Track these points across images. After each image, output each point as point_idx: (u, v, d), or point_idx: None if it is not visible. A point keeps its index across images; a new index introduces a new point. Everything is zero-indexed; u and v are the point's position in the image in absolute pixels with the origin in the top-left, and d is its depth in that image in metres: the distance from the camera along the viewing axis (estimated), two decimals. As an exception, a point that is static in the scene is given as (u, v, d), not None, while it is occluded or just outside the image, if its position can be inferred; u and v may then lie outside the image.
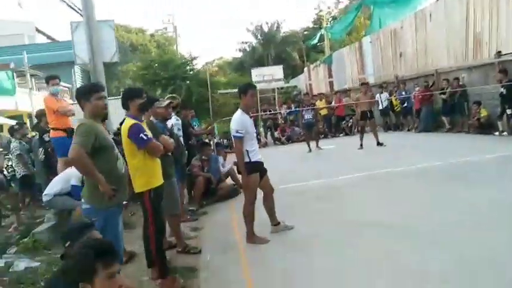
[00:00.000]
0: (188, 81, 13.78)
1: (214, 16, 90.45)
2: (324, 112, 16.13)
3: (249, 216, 4.58)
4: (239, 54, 36.92)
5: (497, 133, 10.66)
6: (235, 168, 7.38)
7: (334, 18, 34.16)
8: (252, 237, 4.58)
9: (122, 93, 3.35)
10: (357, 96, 12.39)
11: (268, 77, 24.98)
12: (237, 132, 4.39)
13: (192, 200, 6.86)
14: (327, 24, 27.68)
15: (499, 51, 10.74)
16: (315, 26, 39.18)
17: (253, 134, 4.69)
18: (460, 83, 12.17)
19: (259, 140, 15.97)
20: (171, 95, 5.41)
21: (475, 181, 6.01)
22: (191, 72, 14.81)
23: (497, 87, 10.57)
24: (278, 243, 4.42)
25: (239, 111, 4.58)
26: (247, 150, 4.46)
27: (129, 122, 3.55)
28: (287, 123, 16.27)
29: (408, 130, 14.53)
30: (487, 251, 3.48)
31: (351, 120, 15.93)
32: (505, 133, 10.41)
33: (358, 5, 20.54)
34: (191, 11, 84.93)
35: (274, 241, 4.51)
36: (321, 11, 39.32)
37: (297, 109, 16.49)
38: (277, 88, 25.06)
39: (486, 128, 11.14)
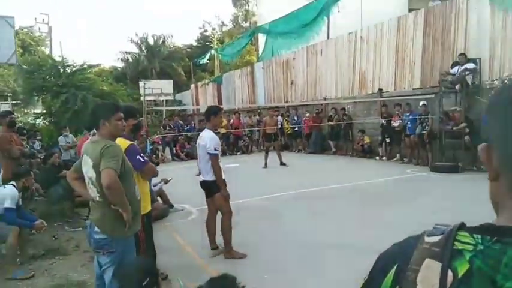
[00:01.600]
0: (83, 91, 12.72)
1: (92, 21, 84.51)
2: (223, 131, 16.52)
3: (229, 231, 4.68)
4: (120, 64, 35.18)
5: (377, 157, 12.48)
6: (163, 187, 7.25)
7: (219, 40, 35.23)
8: (232, 252, 4.67)
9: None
10: (264, 119, 13.17)
11: (157, 90, 24.51)
12: (215, 149, 4.52)
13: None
14: (217, 45, 28.43)
15: (381, 89, 12.69)
16: (198, 45, 39.84)
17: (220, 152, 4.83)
18: (346, 112, 13.91)
19: (157, 156, 15.55)
20: None
21: (388, 200, 7.04)
22: (87, 81, 13.69)
23: (378, 118, 12.43)
24: (249, 265, 4.49)
25: (209, 131, 4.68)
26: None
27: (125, 143, 3.37)
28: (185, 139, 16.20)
29: (298, 151, 15.90)
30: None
31: (247, 140, 16.68)
32: (384, 158, 12.25)
33: (251, 32, 21.79)
34: (67, 13, 77.86)
35: (241, 263, 4.58)
36: (205, 31, 40.25)
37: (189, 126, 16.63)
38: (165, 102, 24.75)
39: (367, 152, 12.96)
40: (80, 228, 5.86)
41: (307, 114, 15.45)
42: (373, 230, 5.33)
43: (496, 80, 9.32)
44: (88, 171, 2.80)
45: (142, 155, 3.50)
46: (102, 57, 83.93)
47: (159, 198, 7.09)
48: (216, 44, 29.02)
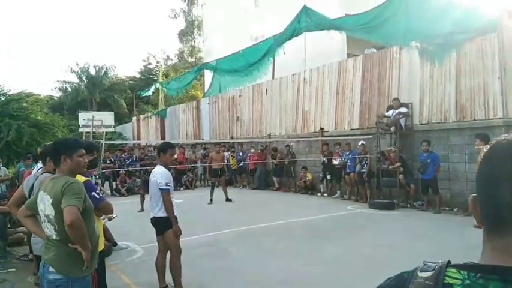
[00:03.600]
0: (19, 120, 11.96)
1: (29, 46, 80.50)
2: (166, 165, 16.26)
3: (179, 269, 4.62)
4: (58, 93, 33.72)
5: (319, 194, 12.88)
6: (107, 223, 6.93)
7: (163, 73, 35.21)
8: None
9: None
10: (211, 154, 13.17)
11: (97, 122, 23.67)
12: (166, 185, 4.50)
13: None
14: (162, 79, 28.34)
15: (322, 128, 13.31)
16: (142, 77, 39.48)
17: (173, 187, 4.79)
18: (290, 150, 14.35)
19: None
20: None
21: (331, 236, 7.28)
22: (23, 111, 12.93)
23: (319, 156, 12.96)
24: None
25: (161, 167, 4.68)
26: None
27: (80, 178, 3.27)
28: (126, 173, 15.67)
29: (242, 187, 15.99)
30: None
31: (191, 175, 16.51)
32: (325, 194, 12.68)
33: (199, 68, 22.08)
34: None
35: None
36: (149, 63, 40.08)
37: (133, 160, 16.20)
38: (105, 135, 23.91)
39: (309, 189, 13.36)
40: (14, 269, 5.40)
41: (252, 150, 15.71)
42: (319, 266, 5.47)
43: (426, 123, 10.20)
44: (45, 208, 2.67)
45: (97, 191, 3.41)
46: (38, 85, 79.85)
47: (101, 235, 6.76)
48: (161, 77, 28.92)
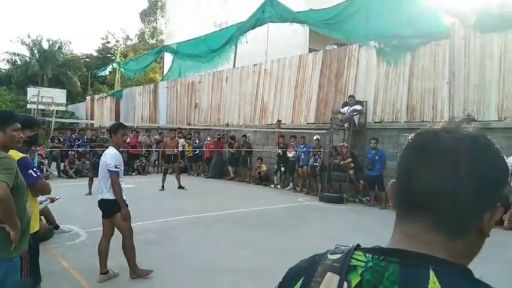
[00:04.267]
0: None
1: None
2: (119, 148, 15.80)
3: (133, 250, 4.56)
4: (6, 66, 31.69)
5: (272, 185, 13.02)
6: (49, 205, 6.63)
7: (122, 53, 34.02)
8: (137, 270, 4.58)
9: None
10: (165, 140, 12.91)
11: (47, 99, 22.58)
12: (116, 167, 4.41)
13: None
14: (120, 58, 27.35)
15: (279, 120, 13.41)
16: (99, 56, 37.95)
17: (123, 170, 4.66)
18: (247, 140, 14.36)
19: (41, 171, 14.16)
20: None
21: (280, 227, 7.38)
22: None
23: (275, 148, 13.07)
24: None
25: (113, 148, 4.56)
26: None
27: (17, 155, 3.08)
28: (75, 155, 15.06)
29: (197, 175, 15.84)
30: None
31: (144, 160, 16.15)
32: (278, 186, 12.83)
33: (159, 50, 21.50)
34: None
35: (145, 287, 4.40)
36: (108, 42, 38.57)
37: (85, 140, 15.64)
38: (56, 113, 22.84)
39: (264, 180, 13.46)
40: None
41: (208, 138, 15.57)
42: (266, 255, 5.53)
43: (378, 122, 10.54)
44: None
45: (35, 169, 3.22)
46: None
47: (42, 217, 6.45)
48: (119, 57, 27.90)
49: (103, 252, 4.56)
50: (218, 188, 12.81)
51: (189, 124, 17.40)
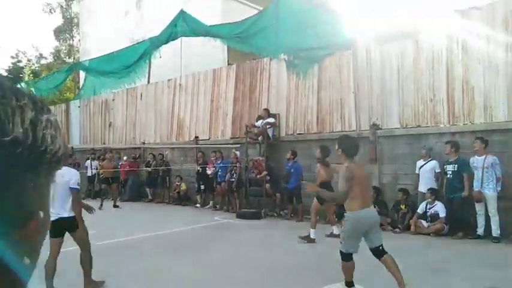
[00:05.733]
0: None
1: None
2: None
3: (91, 261, 4.72)
4: None
5: (197, 205, 12.30)
6: None
7: (34, 72, 31.70)
8: (93, 283, 4.78)
9: None
10: (102, 163, 12.47)
11: None
12: (77, 184, 4.54)
13: None
14: (29, 78, 25.35)
15: (197, 137, 12.95)
16: (10, 76, 35.01)
17: None
18: (164, 158, 13.69)
19: None
20: None
21: (184, 249, 6.85)
22: None
23: (194, 165, 12.55)
24: None
25: (70, 168, 4.70)
26: None
27: None
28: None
29: (111, 199, 14.72)
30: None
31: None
32: (198, 205, 12.25)
33: (70, 67, 20.18)
34: None
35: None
36: (19, 61, 35.78)
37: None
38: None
39: (184, 199, 12.82)
40: None
41: (124, 158, 14.64)
42: (161, 284, 5.01)
43: (291, 134, 10.48)
44: None
45: None
46: None
47: None
48: (29, 76, 25.86)
49: (50, 271, 4.44)
50: (130, 212, 11.98)
51: (104, 143, 16.32)
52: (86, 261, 4.70)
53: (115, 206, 12.48)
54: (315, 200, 7.34)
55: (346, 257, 4.25)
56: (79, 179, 4.61)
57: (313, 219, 7.19)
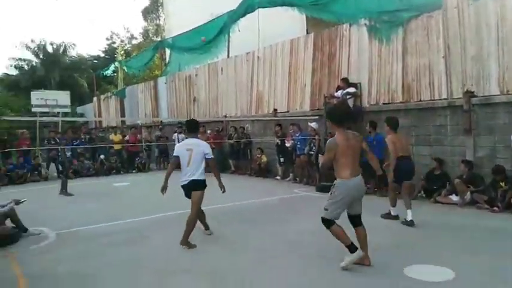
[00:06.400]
0: None
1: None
2: (117, 147, 15.66)
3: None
4: (14, 72, 31.98)
5: (278, 177, 12.44)
6: (16, 207, 6.37)
7: (127, 52, 33.92)
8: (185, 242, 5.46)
9: None
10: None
11: (51, 101, 22.57)
12: (211, 154, 5.57)
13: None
14: (122, 57, 27.24)
15: (275, 109, 12.91)
16: (106, 57, 38.00)
17: None
18: (245, 131, 13.92)
19: (39, 173, 14.13)
20: None
21: (259, 221, 6.95)
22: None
23: (273, 138, 12.58)
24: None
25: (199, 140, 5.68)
26: None
27: None
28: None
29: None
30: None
31: (145, 157, 15.94)
32: (278, 177, 12.34)
33: (155, 45, 21.20)
34: None
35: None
36: (113, 42, 38.58)
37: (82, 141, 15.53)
38: (62, 115, 22.91)
39: (265, 172, 13.00)
40: None
41: (208, 131, 15.18)
42: (237, 253, 5.16)
43: (374, 104, 9.93)
44: None
45: None
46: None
47: (8, 221, 6.21)
48: (121, 55, 27.77)
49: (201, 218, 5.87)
50: (215, 182, 12.42)
51: (189, 117, 17.04)
52: (193, 221, 5.47)
53: None
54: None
55: (328, 222, 4.35)
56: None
57: (406, 200, 6.48)
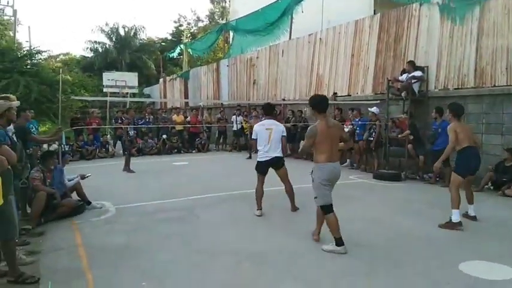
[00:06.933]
0: (29, 77, 11.99)
1: (63, 7, 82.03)
2: (179, 128, 16.19)
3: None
4: (89, 54, 34.16)
5: None
6: (81, 182, 6.80)
7: (192, 35, 34.66)
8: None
9: None
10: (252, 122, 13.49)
11: (121, 82, 23.85)
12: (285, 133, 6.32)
13: (27, 216, 5.94)
14: (187, 39, 27.92)
15: (336, 93, 12.52)
16: (173, 39, 39.20)
17: None
18: (303, 115, 13.70)
19: (107, 150, 15.01)
20: (4, 94, 4.53)
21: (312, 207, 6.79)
22: (34, 68, 12.96)
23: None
24: (130, 271, 4.12)
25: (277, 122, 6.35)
26: None
27: None
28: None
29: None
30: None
31: (204, 138, 16.33)
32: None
33: (219, 28, 21.42)
34: (35, -3, 75.11)
35: (125, 268, 4.21)
36: (180, 25, 39.62)
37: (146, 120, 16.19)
38: (130, 96, 24.15)
39: (321, 157, 12.75)
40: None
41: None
42: (285, 238, 5.12)
43: (442, 89, 9.25)
44: None
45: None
46: (72, 45, 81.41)
47: (74, 193, 6.66)
48: (187, 38, 28.47)
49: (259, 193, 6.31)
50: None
51: (249, 100, 17.15)
52: (290, 191, 6.28)
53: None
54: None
55: (328, 208, 4.57)
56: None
57: (467, 195, 5.91)
